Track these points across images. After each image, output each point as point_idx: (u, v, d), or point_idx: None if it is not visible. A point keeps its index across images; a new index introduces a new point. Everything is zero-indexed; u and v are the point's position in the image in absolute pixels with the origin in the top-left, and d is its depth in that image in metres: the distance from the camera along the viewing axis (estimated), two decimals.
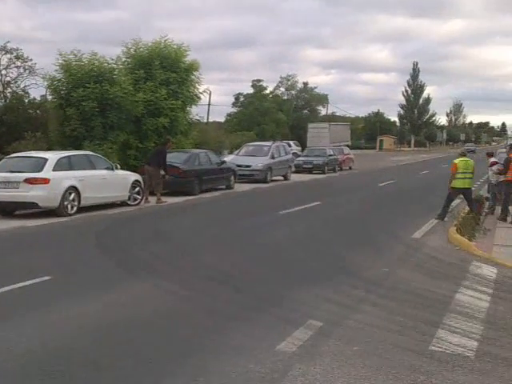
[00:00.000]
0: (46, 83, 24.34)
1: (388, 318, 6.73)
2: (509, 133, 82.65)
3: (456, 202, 16.69)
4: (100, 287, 8.02)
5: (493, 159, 16.34)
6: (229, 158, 28.00)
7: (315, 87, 74.70)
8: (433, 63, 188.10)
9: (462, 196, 15.65)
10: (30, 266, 9.30)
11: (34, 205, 14.89)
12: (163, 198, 18.73)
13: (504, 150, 28.38)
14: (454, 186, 14.93)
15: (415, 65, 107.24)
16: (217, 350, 5.59)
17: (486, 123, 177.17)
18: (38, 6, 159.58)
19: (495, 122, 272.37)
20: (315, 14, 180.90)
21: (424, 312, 6.99)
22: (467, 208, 15.29)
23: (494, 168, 15.91)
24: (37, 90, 30.05)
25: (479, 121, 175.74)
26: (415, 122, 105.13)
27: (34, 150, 19.81)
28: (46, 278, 8.29)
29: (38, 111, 27.54)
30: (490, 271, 9.35)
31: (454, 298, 7.67)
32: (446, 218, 15.07)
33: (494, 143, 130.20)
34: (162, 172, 18.95)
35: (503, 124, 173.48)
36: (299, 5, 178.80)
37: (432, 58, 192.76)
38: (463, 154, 15.74)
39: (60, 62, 23.30)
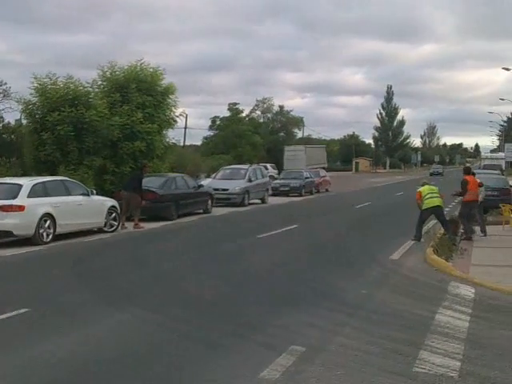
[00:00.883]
0: (20, 107, 24.05)
1: (370, 340, 6.71)
2: (482, 154, 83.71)
3: (432, 222, 16.84)
4: (79, 319, 7.82)
5: (477, 180, 16.54)
6: (206, 182, 27.95)
7: (291, 110, 75.35)
8: (406, 86, 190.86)
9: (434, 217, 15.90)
10: (6, 298, 9.08)
11: (8, 233, 14.52)
12: (141, 224, 18.58)
13: (479, 170, 28.85)
14: (425, 208, 15.34)
15: (389, 88, 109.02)
16: (199, 379, 5.51)
17: (460, 144, 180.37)
18: (13, 28, 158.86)
19: (469, 143, 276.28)
20: (291, 39, 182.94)
21: (405, 334, 7.00)
22: (443, 229, 15.46)
23: (482, 188, 16.18)
24: (11, 114, 29.71)
25: (453, 142, 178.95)
26: (390, 144, 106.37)
27: (8, 176, 19.56)
28: (23, 310, 8.08)
29: (12, 136, 27.22)
30: (468, 291, 9.41)
31: (434, 319, 7.70)
32: (422, 239, 15.22)
33: (467, 164, 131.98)
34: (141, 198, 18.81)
35: (476, 145, 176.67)
36: (275, 29, 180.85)
37: (406, 81, 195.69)
38: (425, 183, 16.21)
39: (35, 85, 23.08)
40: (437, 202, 15.44)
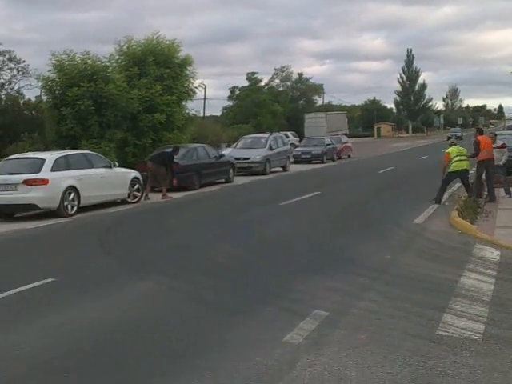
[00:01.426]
0: (40, 84, 24.33)
1: (393, 304, 6.69)
2: (506, 115, 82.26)
3: (457, 185, 16.67)
4: (104, 287, 7.98)
5: (500, 141, 16.29)
6: (227, 152, 27.95)
7: (310, 78, 74.67)
8: (427, 49, 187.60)
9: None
10: (33, 268, 9.27)
11: (33, 206, 14.83)
12: (168, 194, 18.74)
13: (503, 131, 28.36)
14: (452, 170, 15.05)
15: (409, 51, 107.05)
16: (223, 345, 5.57)
17: (483, 106, 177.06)
18: (29, 7, 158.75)
19: (492, 104, 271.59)
20: (306, 6, 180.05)
21: (429, 297, 6.96)
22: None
23: (505, 149, 15.95)
24: (31, 91, 30.07)
25: (476, 104, 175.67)
26: (412, 108, 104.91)
27: (31, 151, 19.75)
28: (49, 280, 8.25)
29: (33, 112, 27.49)
30: (493, 254, 9.32)
31: (458, 282, 7.63)
32: (446, 202, 15.09)
33: (491, 126, 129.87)
34: (170, 179, 18.94)
35: (500, 106, 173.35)
36: None
37: (426, 45, 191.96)
38: (453, 144, 15.92)
39: (53, 62, 23.28)
40: (465, 165, 15.17)
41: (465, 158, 15.31)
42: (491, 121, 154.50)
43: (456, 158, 15.11)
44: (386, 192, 18.90)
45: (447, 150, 15.46)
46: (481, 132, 16.24)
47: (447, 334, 5.68)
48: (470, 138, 64.68)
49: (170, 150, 19.91)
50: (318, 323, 6.04)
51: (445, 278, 7.92)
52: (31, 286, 7.93)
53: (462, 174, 15.26)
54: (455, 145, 15.90)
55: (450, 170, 15.13)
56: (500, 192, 15.75)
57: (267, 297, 7.19)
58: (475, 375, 4.70)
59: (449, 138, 65.90)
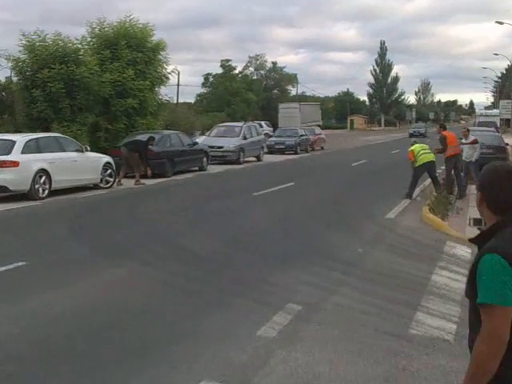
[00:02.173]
0: (10, 64, 23.79)
1: (366, 300, 6.73)
2: (477, 111, 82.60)
3: (428, 180, 16.83)
4: (75, 272, 7.89)
5: (472, 137, 16.43)
6: (200, 140, 27.75)
7: (284, 67, 74.57)
8: (400, 41, 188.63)
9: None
10: (4, 251, 9.13)
11: (4, 188, 14.54)
12: (141, 180, 18.65)
13: (474, 127, 28.60)
14: (419, 164, 15.34)
15: (382, 43, 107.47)
16: (198, 336, 5.54)
17: (454, 101, 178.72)
18: None
19: (463, 100, 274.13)
20: None
21: (402, 294, 7.01)
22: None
23: (477, 145, 16.08)
24: (1, 72, 29.24)
25: (447, 99, 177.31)
26: (384, 101, 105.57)
27: (0, 132, 19.35)
28: (21, 263, 8.12)
29: (3, 93, 26.86)
30: (464, 251, 9.41)
31: (430, 280, 7.71)
32: (418, 198, 15.25)
33: (462, 121, 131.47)
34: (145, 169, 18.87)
35: (471, 102, 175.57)
36: None
37: (399, 37, 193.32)
38: (415, 142, 16.27)
39: (23, 42, 22.83)
40: (431, 157, 15.51)
41: (429, 151, 15.63)
42: (462, 116, 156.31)
43: (420, 153, 15.43)
44: (359, 185, 18.99)
45: (410, 148, 15.76)
46: (444, 127, 16.44)
47: (419, 333, 5.72)
48: (434, 135, 61.93)
49: (144, 138, 19.69)
50: (292, 317, 6.04)
51: (417, 274, 7.99)
52: (2, 268, 7.81)
53: (429, 167, 15.46)
54: (417, 143, 16.25)
55: (417, 165, 15.37)
56: (472, 189, 15.92)
57: (240, 288, 7.19)
58: (448, 377, 4.73)
59: (411, 136, 57.19)
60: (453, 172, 15.66)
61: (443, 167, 16.74)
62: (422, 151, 15.50)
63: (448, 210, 12.89)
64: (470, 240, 2.38)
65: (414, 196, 15.45)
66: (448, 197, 14.38)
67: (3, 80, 28.68)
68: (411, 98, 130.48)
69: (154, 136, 20.14)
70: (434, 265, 8.51)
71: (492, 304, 2.13)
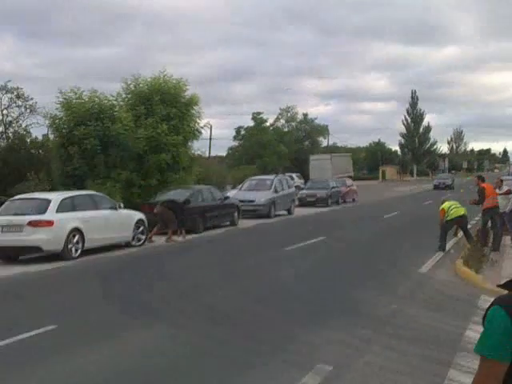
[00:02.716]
0: (47, 122, 24.49)
1: (398, 358, 6.61)
2: (511, 159, 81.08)
3: (461, 233, 16.62)
4: (105, 335, 7.90)
5: (506, 187, 16.28)
6: (232, 193, 27.93)
7: (315, 118, 74.90)
8: (431, 91, 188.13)
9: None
10: (35, 314, 9.21)
11: (37, 249, 14.67)
12: (174, 237, 18.71)
13: (509, 177, 28.27)
14: (450, 218, 15.34)
15: (413, 93, 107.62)
16: None
17: (488, 150, 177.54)
18: (37, 43, 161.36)
19: (496, 148, 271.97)
20: (311, 46, 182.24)
21: (434, 351, 6.88)
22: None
23: (511, 196, 15.93)
24: (39, 129, 30.02)
25: (480, 148, 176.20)
26: (417, 150, 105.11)
27: (37, 191, 19.79)
28: (51, 327, 8.17)
29: (40, 151, 27.59)
30: None
31: (464, 335, 7.55)
32: (451, 250, 15.08)
33: (496, 170, 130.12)
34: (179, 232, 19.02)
35: (505, 150, 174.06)
36: (295, 37, 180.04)
37: (430, 86, 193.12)
38: (444, 200, 16.32)
39: (60, 100, 23.44)
40: (462, 211, 15.45)
41: (459, 206, 15.62)
42: (496, 165, 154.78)
43: (452, 207, 15.42)
44: (391, 238, 18.82)
45: (441, 207, 15.70)
46: (483, 179, 16.27)
47: None
48: (462, 185, 56.57)
49: (178, 196, 20.06)
50: (321, 379, 5.94)
51: (450, 330, 7.84)
52: (33, 333, 7.85)
53: (459, 221, 15.37)
54: (446, 200, 16.26)
55: (448, 219, 15.33)
56: (506, 240, 15.68)
57: (269, 347, 7.11)
58: None
59: (435, 188, 55.86)
60: (489, 224, 15.48)
61: (477, 218, 16.54)
62: (453, 206, 15.50)
63: (482, 263, 12.67)
64: (499, 285, 2.36)
65: (447, 248, 15.27)
66: (482, 249, 14.16)
67: (40, 137, 29.60)
68: (444, 147, 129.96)
69: (190, 199, 20.31)
70: (468, 320, 8.33)
71: (483, 355, 2.12)
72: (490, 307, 2.17)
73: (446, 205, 15.62)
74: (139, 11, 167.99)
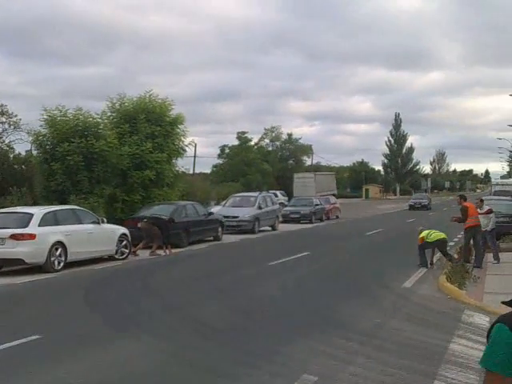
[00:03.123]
0: (31, 138, 24.47)
1: (383, 370, 6.60)
2: (492, 180, 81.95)
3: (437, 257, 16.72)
4: (88, 346, 7.82)
5: (486, 207, 16.44)
6: (216, 209, 27.96)
7: (299, 138, 75.21)
8: (414, 113, 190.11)
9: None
10: (18, 325, 9.11)
11: (20, 261, 14.65)
12: (157, 251, 18.73)
13: (490, 196, 28.59)
14: (429, 241, 15.47)
15: (397, 115, 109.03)
16: None
17: (470, 171, 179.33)
18: (24, 62, 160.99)
19: (478, 169, 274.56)
20: (297, 69, 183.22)
21: (419, 363, 6.88)
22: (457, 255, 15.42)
23: (491, 215, 16.09)
24: (22, 145, 29.96)
25: (463, 168, 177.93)
26: (400, 170, 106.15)
27: (19, 205, 19.67)
28: (34, 337, 8.08)
29: (23, 166, 27.43)
30: (482, 320, 9.27)
31: (448, 348, 7.57)
32: (434, 266, 15.18)
33: (478, 190, 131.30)
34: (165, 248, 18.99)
35: (486, 171, 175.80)
36: (281, 60, 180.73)
37: (413, 109, 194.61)
38: (422, 230, 16.19)
39: (45, 117, 23.49)
40: (442, 235, 15.64)
41: (439, 232, 15.77)
42: (478, 185, 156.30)
43: (431, 233, 15.60)
44: (375, 254, 18.89)
45: (420, 236, 15.68)
46: (465, 198, 16.37)
47: None
48: (440, 206, 54.76)
49: (162, 212, 20.08)
50: None
51: (434, 343, 7.86)
52: (16, 342, 7.77)
53: (439, 245, 15.50)
54: (423, 229, 16.15)
55: (427, 241, 15.45)
56: (488, 257, 15.80)
57: (255, 359, 7.08)
58: None
59: (410, 208, 52.92)
60: (471, 242, 15.58)
61: (459, 235, 16.67)
62: (433, 232, 15.71)
63: (465, 279, 12.75)
64: (503, 302, 2.40)
65: (429, 265, 15.34)
66: (465, 265, 14.26)
67: (23, 153, 29.44)
68: (427, 168, 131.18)
69: (174, 218, 20.26)
70: (451, 333, 8.37)
71: (488, 370, 2.18)
72: (494, 324, 2.23)
73: (424, 232, 15.74)
74: (127, 32, 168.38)
